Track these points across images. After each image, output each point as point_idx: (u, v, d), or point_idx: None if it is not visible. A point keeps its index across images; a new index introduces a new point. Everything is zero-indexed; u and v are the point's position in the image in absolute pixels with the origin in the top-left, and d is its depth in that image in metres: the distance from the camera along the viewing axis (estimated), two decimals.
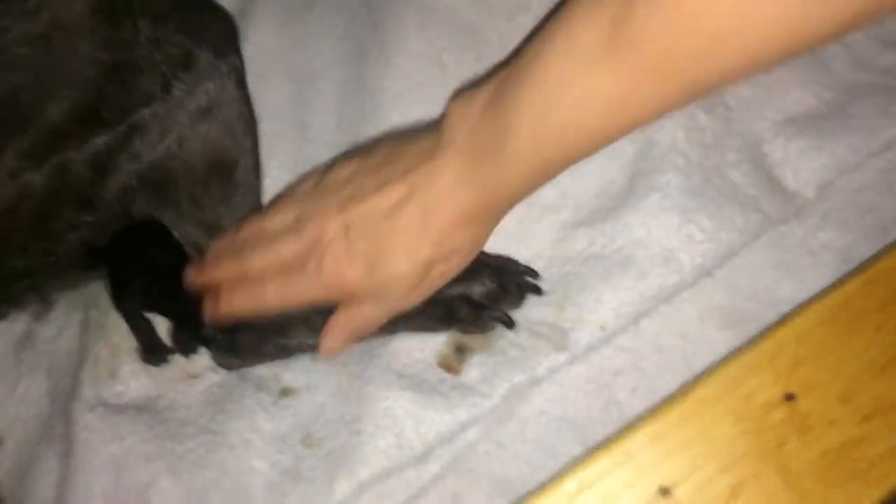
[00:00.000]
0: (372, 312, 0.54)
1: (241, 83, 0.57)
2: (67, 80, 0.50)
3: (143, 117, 0.52)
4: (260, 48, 0.66)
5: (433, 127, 0.51)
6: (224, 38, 0.56)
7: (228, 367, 0.60)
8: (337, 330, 0.55)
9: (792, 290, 0.55)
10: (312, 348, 0.58)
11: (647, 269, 0.58)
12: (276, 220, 0.55)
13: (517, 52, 0.44)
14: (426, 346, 0.58)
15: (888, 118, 0.58)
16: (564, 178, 0.60)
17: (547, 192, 0.61)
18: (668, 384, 0.54)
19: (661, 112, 0.41)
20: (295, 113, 0.65)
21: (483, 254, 0.58)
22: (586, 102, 0.41)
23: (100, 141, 0.51)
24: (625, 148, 0.61)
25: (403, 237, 0.49)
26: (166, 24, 0.52)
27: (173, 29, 0.52)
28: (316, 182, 0.55)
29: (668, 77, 0.38)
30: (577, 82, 0.40)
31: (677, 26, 0.35)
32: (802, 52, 0.36)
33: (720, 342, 0.55)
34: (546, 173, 0.47)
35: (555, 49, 0.41)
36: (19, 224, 0.52)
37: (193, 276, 0.57)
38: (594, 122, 0.42)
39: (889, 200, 0.56)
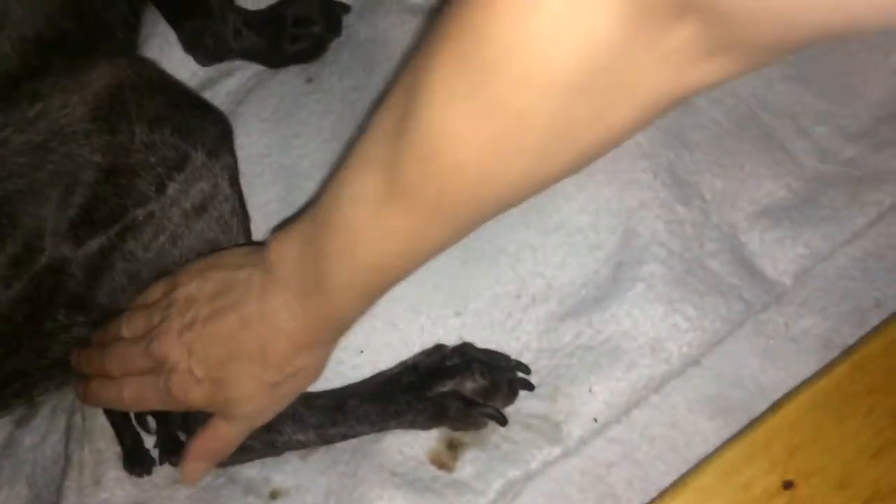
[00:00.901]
0: (228, 432, 0.54)
1: (235, 181, 0.59)
2: (63, 185, 0.51)
3: (138, 218, 0.53)
4: (248, 149, 0.68)
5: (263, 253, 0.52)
6: (217, 138, 0.57)
7: (217, 465, 0.58)
8: (195, 454, 0.55)
9: (777, 378, 0.56)
10: (303, 445, 0.57)
11: (636, 359, 0.58)
12: (130, 327, 0.55)
13: (323, 189, 0.46)
14: (417, 443, 0.58)
15: (856, 207, 0.60)
16: (548, 270, 0.63)
17: (532, 283, 0.62)
18: (663, 475, 0.54)
19: (458, 239, 0.43)
20: (283, 212, 0.66)
21: (473, 349, 0.59)
22: (384, 244, 0.43)
23: (94, 243, 0.52)
24: (607, 239, 0.63)
25: (244, 364, 0.50)
26: (162, 127, 0.53)
27: (169, 132, 0.54)
28: (164, 291, 0.55)
29: (446, 218, 0.41)
30: (372, 226, 0.42)
31: (439, 179, 0.38)
32: (557, 180, 0.38)
33: (710, 431, 0.55)
34: (371, 298, 0.49)
35: (347, 194, 0.43)
36: (13, 326, 0.52)
37: (73, 358, 0.57)
38: (396, 259, 0.44)
39: (865, 286, 0.58)
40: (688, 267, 0.60)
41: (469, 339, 0.62)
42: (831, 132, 0.64)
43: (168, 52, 0.73)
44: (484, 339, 0.61)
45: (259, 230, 0.64)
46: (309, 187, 0.67)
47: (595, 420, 0.57)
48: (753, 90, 0.66)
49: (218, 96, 0.71)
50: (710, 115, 0.66)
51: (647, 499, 0.52)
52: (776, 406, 0.53)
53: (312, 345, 0.51)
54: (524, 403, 0.59)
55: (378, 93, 0.68)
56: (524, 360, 0.61)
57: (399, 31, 0.71)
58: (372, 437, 0.58)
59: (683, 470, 0.54)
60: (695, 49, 0.29)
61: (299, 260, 0.48)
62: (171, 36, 0.73)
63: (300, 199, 0.67)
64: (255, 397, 0.51)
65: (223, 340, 0.50)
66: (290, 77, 0.72)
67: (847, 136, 0.64)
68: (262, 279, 0.50)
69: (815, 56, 0.66)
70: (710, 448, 0.54)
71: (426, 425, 0.58)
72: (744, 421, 0.55)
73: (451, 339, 0.60)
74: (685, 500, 0.48)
